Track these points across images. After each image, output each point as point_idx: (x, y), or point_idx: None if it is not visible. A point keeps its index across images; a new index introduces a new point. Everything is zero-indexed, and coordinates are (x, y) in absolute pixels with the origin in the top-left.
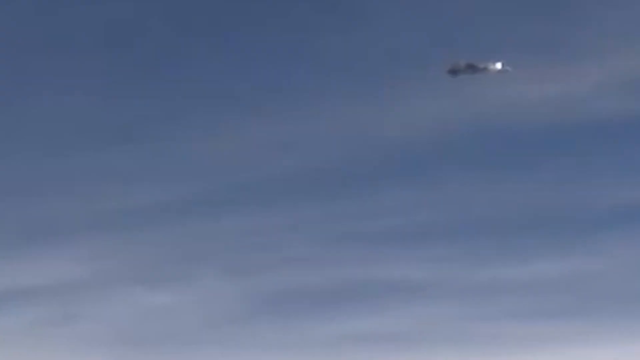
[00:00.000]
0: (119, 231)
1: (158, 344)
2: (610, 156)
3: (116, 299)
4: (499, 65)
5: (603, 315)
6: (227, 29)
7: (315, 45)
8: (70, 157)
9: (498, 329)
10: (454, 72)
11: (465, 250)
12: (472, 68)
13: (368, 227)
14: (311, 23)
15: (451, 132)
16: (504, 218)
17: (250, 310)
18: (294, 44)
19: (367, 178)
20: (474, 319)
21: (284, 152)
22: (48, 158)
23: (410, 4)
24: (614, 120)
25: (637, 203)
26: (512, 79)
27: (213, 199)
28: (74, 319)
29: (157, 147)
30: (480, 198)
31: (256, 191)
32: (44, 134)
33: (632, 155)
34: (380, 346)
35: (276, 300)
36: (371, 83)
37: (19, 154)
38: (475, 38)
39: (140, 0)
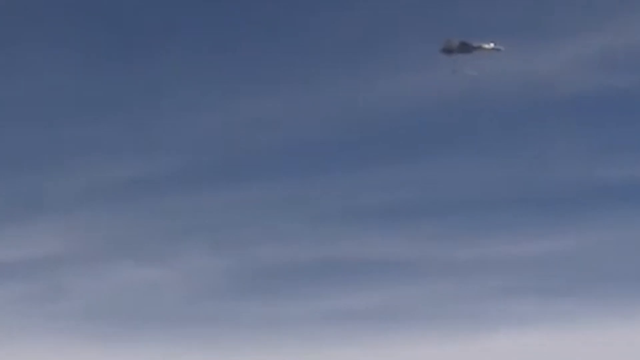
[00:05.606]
0: (105, 206)
1: (143, 318)
2: (600, 132)
3: (102, 274)
4: (491, 45)
5: (588, 293)
6: (212, 3)
7: (306, 21)
8: (54, 131)
9: (482, 306)
10: (447, 51)
11: (451, 228)
12: (465, 47)
13: (354, 204)
14: None
15: (439, 110)
16: (490, 196)
17: (235, 286)
18: (284, 18)
19: (353, 155)
20: (458, 297)
21: (271, 128)
22: (32, 132)
23: None
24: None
25: (621, 180)
26: (501, 57)
27: (200, 174)
28: (59, 293)
29: (144, 121)
30: (466, 176)
31: (242, 167)
32: (28, 108)
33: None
34: (364, 322)
35: (261, 276)
36: (360, 61)
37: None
38: (467, 18)
39: None
